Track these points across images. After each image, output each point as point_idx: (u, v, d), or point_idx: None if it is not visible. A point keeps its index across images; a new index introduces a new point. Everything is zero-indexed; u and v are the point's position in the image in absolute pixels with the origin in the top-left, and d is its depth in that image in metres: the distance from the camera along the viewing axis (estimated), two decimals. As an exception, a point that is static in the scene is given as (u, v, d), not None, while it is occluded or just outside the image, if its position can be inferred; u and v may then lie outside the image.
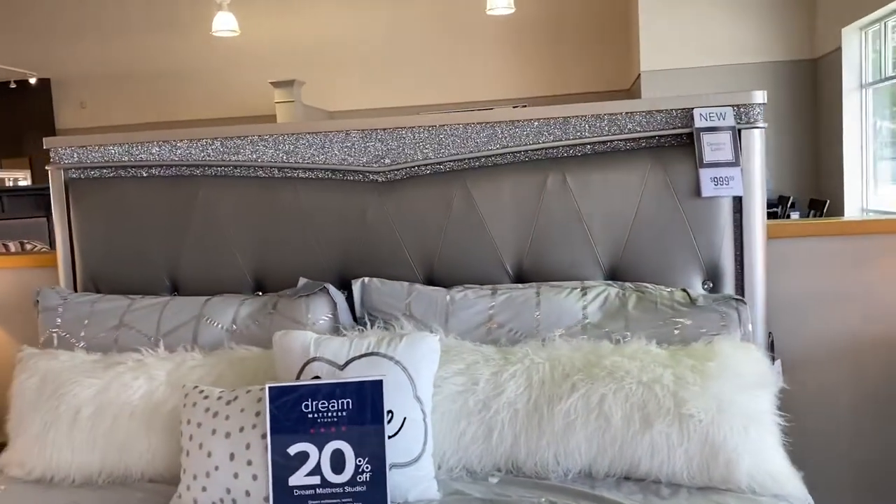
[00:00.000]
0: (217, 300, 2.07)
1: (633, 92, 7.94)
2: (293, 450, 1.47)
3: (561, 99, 8.41)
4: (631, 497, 1.53)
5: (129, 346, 2.00)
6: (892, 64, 5.64)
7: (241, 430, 1.54)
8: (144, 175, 2.30)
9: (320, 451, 1.47)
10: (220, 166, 2.25)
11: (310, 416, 1.47)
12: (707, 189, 1.94)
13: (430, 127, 2.14)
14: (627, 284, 1.92)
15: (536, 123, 2.08)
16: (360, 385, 1.49)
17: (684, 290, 1.86)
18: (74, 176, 2.33)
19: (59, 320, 2.11)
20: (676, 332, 1.77)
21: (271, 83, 7.89)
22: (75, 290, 2.29)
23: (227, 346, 1.94)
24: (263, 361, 1.82)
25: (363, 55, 8.83)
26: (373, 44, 8.80)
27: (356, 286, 2.00)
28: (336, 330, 1.94)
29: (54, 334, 2.10)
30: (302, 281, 2.03)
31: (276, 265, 2.17)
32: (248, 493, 1.50)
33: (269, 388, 1.47)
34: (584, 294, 1.88)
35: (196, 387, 1.68)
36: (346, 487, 1.47)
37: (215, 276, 2.20)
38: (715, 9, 7.19)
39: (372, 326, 1.92)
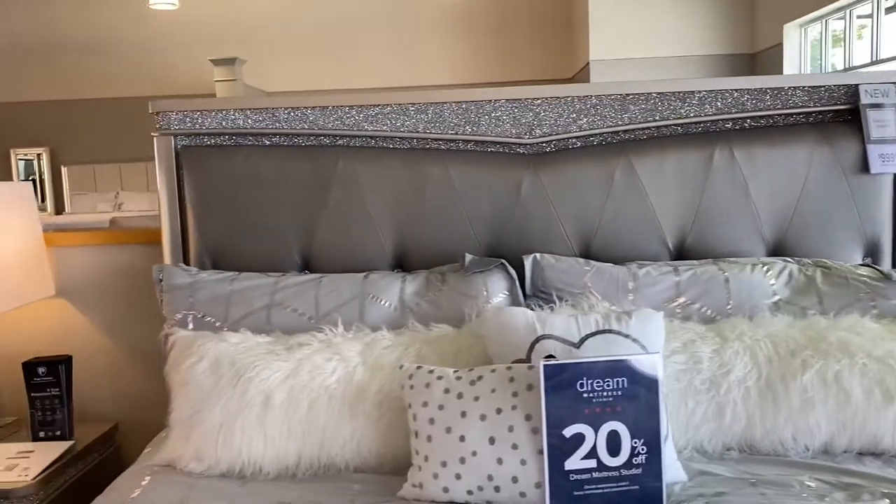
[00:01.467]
0: (376, 277, 1.90)
1: (578, 80, 7.99)
2: (568, 432, 1.35)
3: (506, 85, 8.37)
4: (884, 471, 1.50)
5: (286, 327, 1.81)
6: (831, 61, 5.86)
7: (499, 411, 1.40)
8: (267, 143, 2.09)
9: (596, 432, 1.36)
10: (359, 136, 2.07)
11: (585, 395, 1.35)
12: (875, 165, 1.92)
13: (584, 97, 2.03)
14: (805, 260, 1.88)
15: (698, 96, 2.01)
16: (636, 362, 1.39)
17: (866, 265, 1.85)
18: (186, 143, 2.09)
19: (193, 300, 1.89)
20: (873, 305, 1.74)
21: (211, 60, 7.45)
22: (185, 267, 2.06)
23: (402, 325, 1.78)
24: (463, 339, 1.68)
25: (306, 35, 8.48)
26: (317, 23, 8.46)
27: (528, 262, 1.88)
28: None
29: (189, 315, 1.87)
30: (468, 257, 1.89)
31: (420, 241, 2.01)
32: (514, 480, 1.37)
33: (545, 365, 1.34)
34: (768, 270, 1.83)
35: (419, 366, 1.53)
36: (622, 471, 1.36)
37: (352, 253, 2.02)
38: (662, 0, 7.32)
39: (544, 304, 1.82)
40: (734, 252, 1.95)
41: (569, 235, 1.98)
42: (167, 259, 2.09)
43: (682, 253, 1.98)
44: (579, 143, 2.05)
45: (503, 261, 1.86)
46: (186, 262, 2.08)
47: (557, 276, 1.85)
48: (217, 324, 1.84)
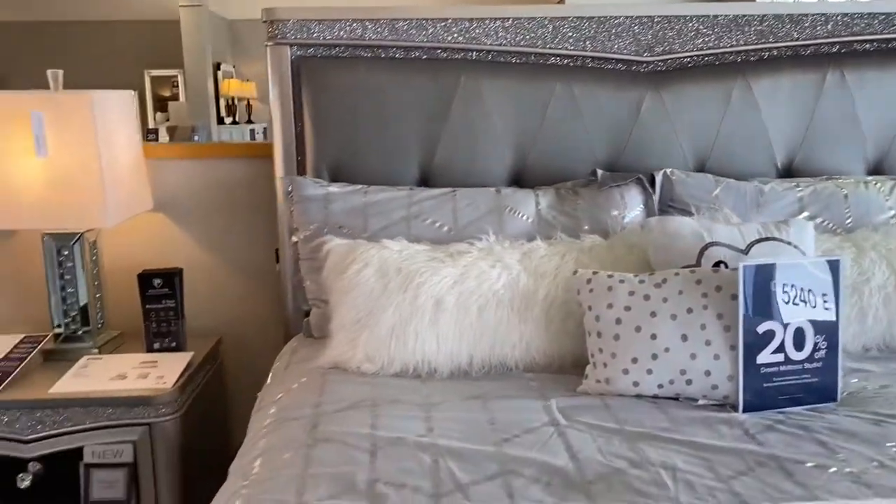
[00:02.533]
0: (508, 191, 1.91)
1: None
2: (761, 328, 1.41)
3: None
4: None
5: (425, 238, 1.81)
6: None
7: (690, 311, 1.45)
8: (383, 56, 2.04)
9: (784, 329, 1.42)
10: (479, 50, 2.04)
11: (777, 295, 1.41)
12: (978, 90, 2.01)
13: (703, 17, 2.05)
14: (914, 178, 1.97)
15: (810, 19, 2.05)
16: (821, 265, 1.45)
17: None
18: (303, 54, 2.03)
19: (327, 211, 1.87)
20: None
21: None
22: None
23: (536, 237, 1.80)
24: (617, 248, 1.72)
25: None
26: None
27: (659, 177, 1.91)
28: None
29: (324, 227, 1.86)
30: (600, 172, 1.91)
31: (539, 158, 2.02)
32: (707, 373, 1.43)
33: (745, 266, 1.39)
34: (880, 187, 1.91)
35: (595, 272, 1.56)
36: (805, 364, 1.43)
37: (471, 169, 2.01)
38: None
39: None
40: (838, 172, 2.02)
41: (686, 152, 2.02)
42: (279, 172, 2.05)
43: (790, 172, 2.04)
44: (697, 63, 2.07)
45: (640, 175, 1.89)
46: (301, 175, 2.04)
47: (688, 190, 1.89)
48: (353, 233, 1.83)
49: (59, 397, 1.78)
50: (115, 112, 2.00)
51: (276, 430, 1.38)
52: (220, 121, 7.82)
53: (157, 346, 2.04)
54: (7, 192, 1.86)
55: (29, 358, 1.92)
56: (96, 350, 2.02)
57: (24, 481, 1.78)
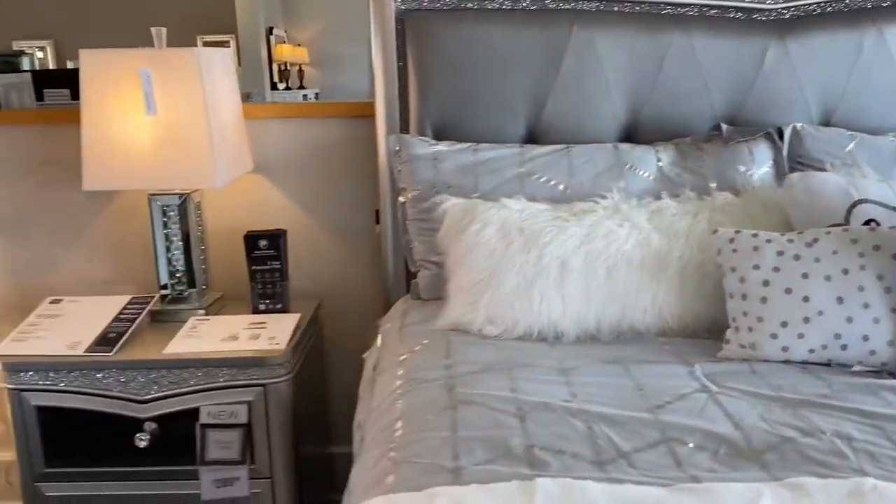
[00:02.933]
0: (626, 147, 1.82)
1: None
2: (925, 290, 1.32)
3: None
4: None
5: (540, 197, 1.73)
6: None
7: (846, 272, 1.35)
8: (489, 8, 1.95)
9: (950, 290, 1.32)
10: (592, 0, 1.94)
11: (944, 255, 1.31)
12: None
13: (832, -39, 1.91)
14: None
15: (952, -39, 1.90)
16: None
17: None
18: (407, 7, 1.96)
19: (437, 170, 1.81)
20: None
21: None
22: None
23: (659, 195, 1.71)
24: (752, 206, 1.63)
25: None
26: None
27: (787, 131, 1.80)
28: (777, 178, 1.76)
29: (433, 186, 1.80)
30: (725, 127, 1.81)
31: (654, 112, 1.92)
32: (865, 338, 1.34)
33: (911, 224, 1.30)
34: None
35: (738, 231, 1.47)
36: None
37: (581, 124, 1.92)
38: None
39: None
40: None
41: (811, 106, 1.90)
42: (380, 131, 1.99)
43: (921, 125, 1.91)
44: (824, 10, 1.93)
45: (770, 129, 1.78)
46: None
47: (819, 146, 1.78)
48: (462, 192, 1.76)
49: (173, 358, 1.77)
50: (219, 70, 1.95)
51: (412, 391, 1.34)
52: (273, 86, 7.80)
53: (262, 307, 2.01)
54: (118, 151, 1.83)
55: (139, 319, 1.91)
56: (203, 311, 2.00)
57: (142, 441, 1.78)
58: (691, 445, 1.11)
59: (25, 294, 2.24)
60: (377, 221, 2.11)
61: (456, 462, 1.09)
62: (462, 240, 1.61)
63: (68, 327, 1.88)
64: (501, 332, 1.55)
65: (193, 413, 1.78)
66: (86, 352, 1.78)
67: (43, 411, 1.79)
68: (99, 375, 1.77)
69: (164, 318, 1.99)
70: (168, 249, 1.99)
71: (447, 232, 1.66)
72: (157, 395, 1.78)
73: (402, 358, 1.52)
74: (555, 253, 1.53)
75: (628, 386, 1.30)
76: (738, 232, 1.46)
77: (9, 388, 1.78)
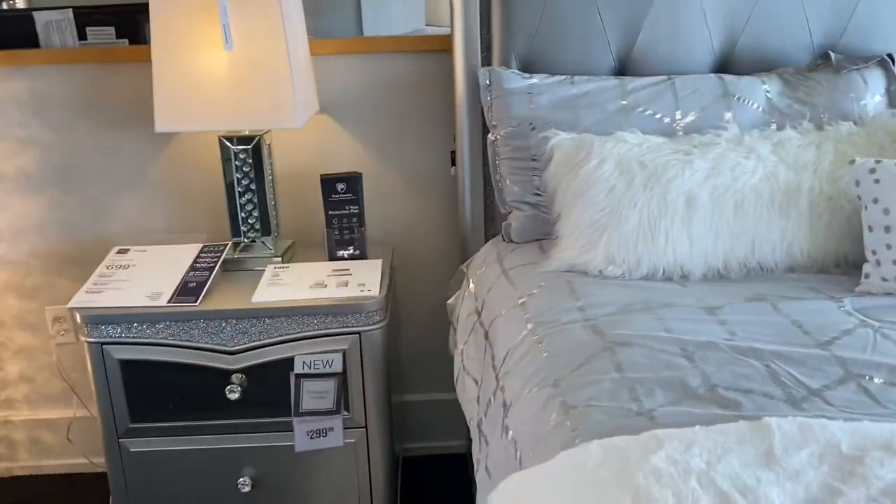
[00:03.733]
0: (731, 78, 1.73)
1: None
2: None
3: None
4: None
5: (647, 131, 1.65)
6: None
7: None
8: (577, -68, 1.84)
9: None
10: (687, -79, 1.83)
11: None
12: None
13: None
14: None
15: None
16: None
17: None
18: (490, -68, 1.84)
19: (533, 105, 1.72)
20: None
21: None
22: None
23: (767, 126, 1.64)
24: (876, 136, 1.56)
25: None
26: None
27: (900, 59, 1.73)
28: (890, 106, 1.69)
29: (530, 122, 1.71)
30: (834, 55, 1.73)
31: (749, 41, 1.82)
32: None
33: None
34: None
35: (878, 160, 1.40)
36: None
37: (675, 56, 1.82)
38: None
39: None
40: None
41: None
42: (459, 66, 1.89)
43: None
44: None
45: (885, 55, 1.70)
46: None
47: (931, 73, 1.71)
48: (559, 127, 1.67)
49: (264, 307, 1.68)
50: (292, 3, 1.83)
51: (552, 334, 1.27)
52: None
53: (339, 253, 1.93)
54: (192, 90, 1.72)
55: (217, 267, 1.82)
56: (279, 258, 1.91)
57: (233, 393, 1.71)
58: (879, 381, 1.06)
59: (80, 246, 2.13)
60: (452, 163, 2.02)
61: (640, 405, 1.03)
62: (577, 176, 1.53)
63: (143, 278, 1.78)
64: (623, 273, 1.48)
65: (283, 364, 1.71)
66: (169, 302, 1.69)
67: (126, 365, 1.70)
68: (185, 327, 1.68)
69: (236, 268, 1.90)
70: (242, 194, 1.89)
71: (558, 169, 1.57)
72: (246, 345, 1.70)
73: (520, 301, 1.45)
74: (681, 188, 1.46)
75: (783, 323, 1.24)
76: (878, 162, 1.40)
77: (89, 342, 1.69)
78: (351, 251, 1.93)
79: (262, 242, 1.92)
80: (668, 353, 1.15)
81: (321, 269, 1.85)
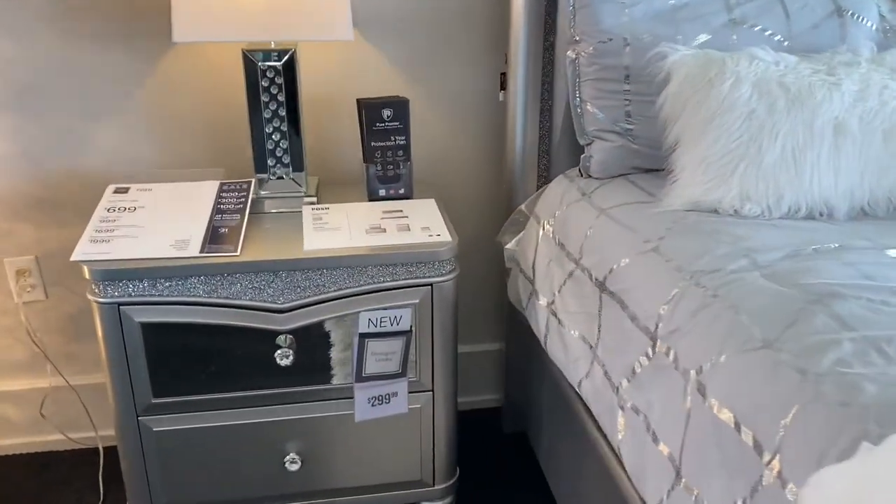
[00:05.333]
0: (841, -8, 1.55)
1: None
2: None
3: None
4: None
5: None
6: None
7: None
8: None
9: None
10: None
11: None
12: None
13: None
14: None
15: None
16: None
17: None
18: None
19: (627, 18, 1.49)
20: None
21: None
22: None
23: (886, 47, 1.48)
24: None
25: None
26: None
27: None
28: None
29: (623, 37, 1.48)
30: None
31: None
32: None
33: None
34: None
35: None
36: None
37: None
38: None
39: None
40: None
41: None
42: (520, -27, 1.62)
43: None
44: None
45: None
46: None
47: None
48: (663, 43, 1.45)
49: (320, 256, 1.40)
50: None
51: (728, 287, 1.06)
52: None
53: (382, 192, 1.66)
54: (223, -12, 1.38)
55: (247, 210, 1.52)
56: (313, 198, 1.62)
57: (285, 358, 1.44)
58: None
59: (48, 184, 1.76)
60: (502, 87, 1.77)
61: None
62: (708, 100, 1.31)
63: (158, 223, 1.46)
64: (762, 211, 1.29)
65: (340, 322, 1.44)
66: (203, 252, 1.38)
67: (150, 330, 1.39)
68: (224, 282, 1.38)
69: (261, 210, 1.60)
70: (267, 122, 1.57)
71: (681, 91, 1.35)
72: (298, 302, 1.42)
73: (650, 247, 1.24)
74: (829, 114, 1.27)
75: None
76: None
77: (102, 304, 1.37)
78: (395, 190, 1.66)
79: (292, 180, 1.62)
80: (892, 304, 0.97)
81: (369, 212, 1.57)
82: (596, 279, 1.32)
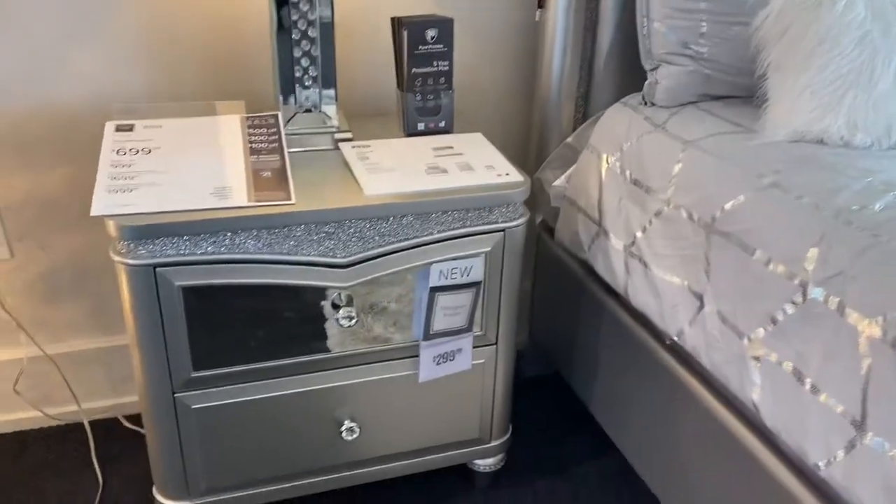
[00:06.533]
0: None
1: None
2: None
3: None
4: None
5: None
6: None
7: None
8: None
9: None
10: None
11: None
12: None
13: None
14: None
15: None
16: None
17: None
18: None
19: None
20: None
21: None
22: None
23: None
24: None
25: None
26: None
27: None
28: None
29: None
30: None
31: None
32: None
33: None
34: None
35: None
36: None
37: None
38: None
39: None
40: None
41: None
42: None
43: None
44: None
45: None
46: None
47: None
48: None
49: (387, 202, 1.23)
50: None
51: (886, 226, 0.99)
52: None
53: (421, 126, 1.48)
54: None
55: (285, 149, 1.31)
56: (348, 134, 1.43)
57: (348, 320, 1.27)
58: None
59: (16, 120, 1.48)
60: (540, 5, 1.61)
61: None
62: (818, 21, 1.21)
63: (183, 167, 1.24)
64: (873, 142, 1.22)
65: (403, 276, 1.29)
66: (253, 202, 1.18)
67: (192, 295, 1.19)
68: (277, 235, 1.19)
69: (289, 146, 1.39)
70: (296, 44, 1.35)
71: (786, 11, 1.24)
72: (361, 255, 1.25)
73: (767, 182, 1.15)
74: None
75: None
76: None
77: (132, 266, 1.15)
78: (434, 123, 1.49)
79: (323, 112, 1.42)
80: None
81: (417, 149, 1.40)
82: (700, 219, 1.22)
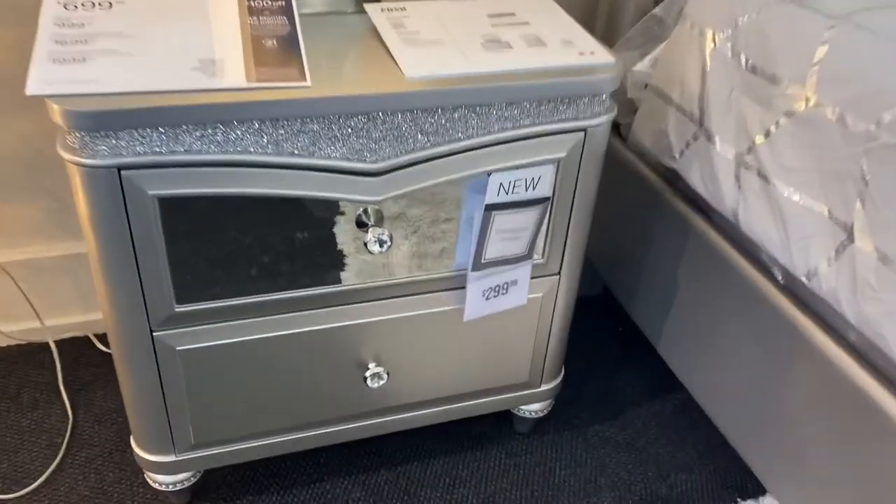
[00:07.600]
0: None
1: None
2: None
3: None
4: None
5: None
6: None
7: None
8: None
9: None
10: None
11: None
12: None
13: None
14: None
15: None
16: None
17: None
18: None
19: None
20: None
21: None
22: None
23: None
24: None
25: None
26: None
27: None
28: None
29: None
30: None
31: None
32: None
33: None
34: None
35: None
36: None
37: None
38: None
39: None
40: None
41: None
42: None
43: None
44: None
45: None
46: None
47: None
48: None
49: (433, 89, 0.91)
50: None
51: None
52: None
53: None
54: None
55: (295, 10, 0.98)
56: (376, -7, 1.09)
57: (381, 244, 0.98)
58: None
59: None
60: None
61: None
62: None
63: (156, 29, 0.91)
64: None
65: (448, 189, 0.99)
66: (254, 82, 0.85)
67: (170, 206, 0.88)
68: (286, 130, 0.87)
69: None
70: None
71: None
72: (398, 159, 0.94)
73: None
74: None
75: None
76: None
77: (89, 167, 0.84)
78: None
79: (342, -38, 1.07)
80: None
81: (468, 14, 1.06)
82: (856, 124, 0.91)
